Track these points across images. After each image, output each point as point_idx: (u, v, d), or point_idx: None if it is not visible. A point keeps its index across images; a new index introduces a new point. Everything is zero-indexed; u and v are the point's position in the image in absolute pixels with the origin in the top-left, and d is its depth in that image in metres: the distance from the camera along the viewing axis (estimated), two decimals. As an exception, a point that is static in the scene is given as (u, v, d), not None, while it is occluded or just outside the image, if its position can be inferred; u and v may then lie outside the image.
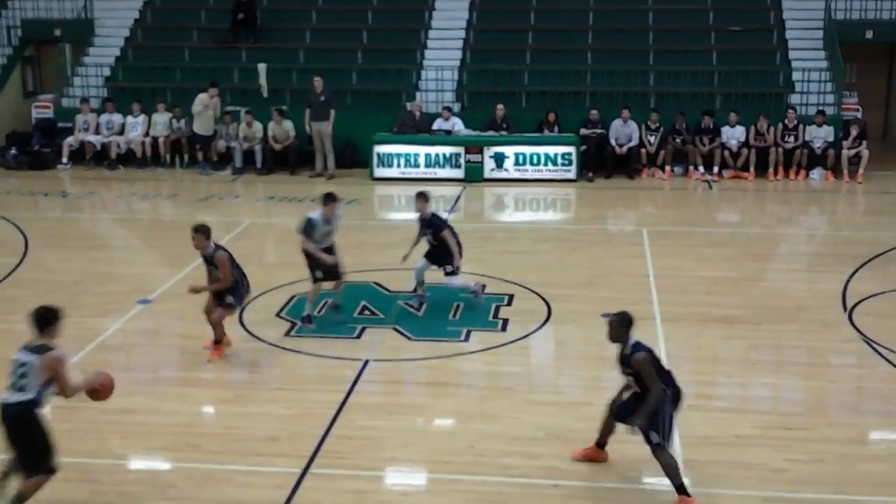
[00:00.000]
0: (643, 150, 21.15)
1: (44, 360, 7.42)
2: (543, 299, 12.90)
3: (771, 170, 20.82)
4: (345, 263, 12.34)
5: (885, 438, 9.37)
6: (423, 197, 12.49)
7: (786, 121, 21.09)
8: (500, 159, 20.85)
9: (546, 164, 20.78)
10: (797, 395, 10.25)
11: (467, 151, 20.86)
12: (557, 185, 20.41)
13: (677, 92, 22.40)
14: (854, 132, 20.79)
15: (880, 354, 11.09)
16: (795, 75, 22.54)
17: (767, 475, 8.37)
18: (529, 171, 20.75)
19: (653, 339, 11.51)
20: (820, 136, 20.99)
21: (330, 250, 12.12)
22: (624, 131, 21.22)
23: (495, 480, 8.35)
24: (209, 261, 10.71)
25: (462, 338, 11.72)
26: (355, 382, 10.37)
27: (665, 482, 8.09)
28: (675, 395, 8.06)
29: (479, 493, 8.16)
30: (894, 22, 23.35)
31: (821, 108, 21.50)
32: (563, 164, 20.73)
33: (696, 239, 16.36)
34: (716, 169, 20.99)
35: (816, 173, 20.80)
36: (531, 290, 13.27)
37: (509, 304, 12.83)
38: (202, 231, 10.61)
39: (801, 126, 21.07)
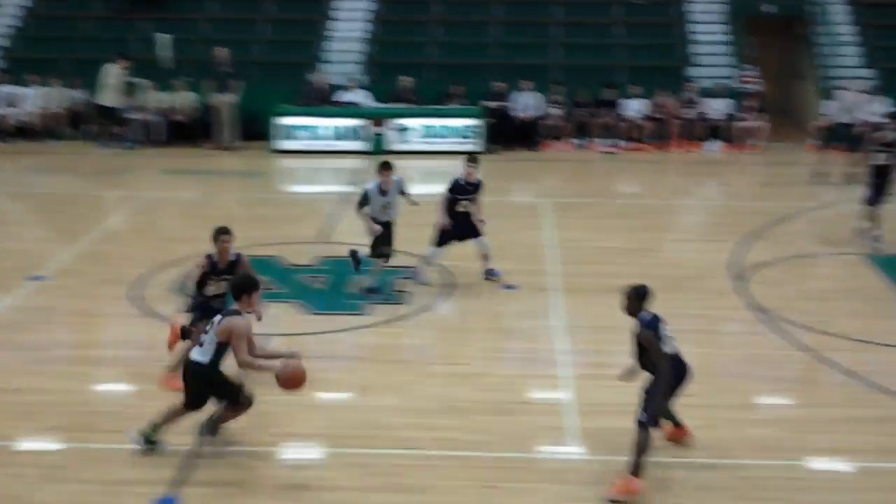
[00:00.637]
0: (546, 123, 21.32)
1: (222, 323, 7.86)
2: (446, 271, 12.96)
3: (671, 141, 21.18)
4: (391, 248, 12.28)
5: (773, 404, 9.64)
6: (475, 160, 12.55)
7: (686, 93, 21.45)
8: (405, 131, 20.82)
9: (451, 136, 20.83)
10: (690, 363, 10.46)
11: (373, 123, 20.80)
12: (462, 157, 20.41)
13: (580, 64, 22.60)
14: (752, 104, 21.25)
15: (770, 322, 11.40)
16: (695, 48, 22.92)
17: (660, 441, 8.56)
18: (435, 143, 20.77)
19: (555, 310, 11.72)
20: (719, 108, 21.41)
21: (388, 226, 12.11)
22: (525, 102, 21.36)
23: (393, 453, 8.42)
24: (229, 268, 9.47)
25: (364, 311, 11.73)
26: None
27: (558, 450, 8.29)
28: (680, 376, 7.97)
29: (377, 466, 8.22)
30: (793, -4, 23.91)
31: (720, 80, 21.91)
32: (468, 136, 20.79)
33: (597, 210, 16.58)
34: (617, 141, 21.27)
35: (715, 145, 21.23)
36: (433, 262, 13.30)
37: (411, 277, 12.87)
38: (231, 233, 9.53)
39: (700, 98, 21.46)
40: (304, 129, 20.86)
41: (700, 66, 22.64)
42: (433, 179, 19.73)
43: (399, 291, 12.34)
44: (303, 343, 10.96)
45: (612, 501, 7.73)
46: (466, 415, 9.11)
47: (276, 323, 11.31)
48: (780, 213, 16.05)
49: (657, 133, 21.23)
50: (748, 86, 22.12)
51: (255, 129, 21.53)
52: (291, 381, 7.92)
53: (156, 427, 8.25)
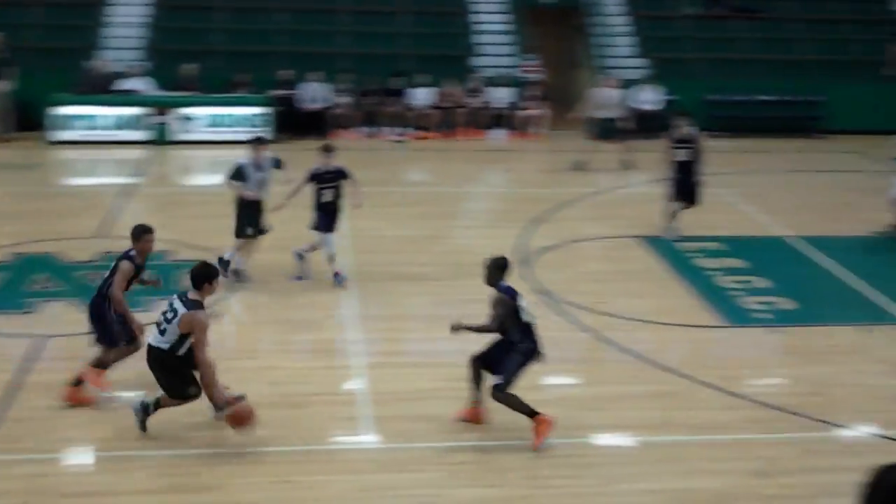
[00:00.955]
0: (335, 112, 21.28)
1: (187, 316, 7.91)
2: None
3: (457, 130, 21.57)
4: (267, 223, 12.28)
5: (557, 384, 9.96)
6: (330, 149, 12.27)
7: (470, 82, 21.88)
8: (190, 120, 20.34)
9: (238, 125, 20.46)
10: (477, 348, 10.72)
11: (156, 112, 20.19)
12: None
13: (367, 53, 22.67)
14: (534, 93, 21.89)
15: (553, 304, 11.80)
16: (480, 38, 23.40)
17: (447, 426, 8.75)
18: (221, 133, 20.38)
19: (346, 299, 11.74)
20: (502, 96, 21.96)
21: (258, 203, 12.02)
22: (313, 92, 21.25)
23: (183, 453, 8.24)
24: (144, 265, 9.22)
25: (150, 307, 11.35)
26: (33, 361, 9.84)
27: (353, 440, 8.32)
28: (531, 350, 8.42)
29: (167, 468, 8.02)
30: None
31: (503, 69, 22.47)
32: (255, 125, 20.47)
33: (387, 199, 16.66)
34: (405, 129, 21.47)
35: (499, 133, 21.77)
36: (222, 254, 13.06)
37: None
38: (154, 231, 9.28)
39: (484, 87, 21.95)
40: (82, 118, 20.03)
41: (484, 55, 23.15)
42: (220, 169, 19.39)
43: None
44: (83, 343, 10.55)
45: (540, 448, 8.30)
46: (258, 409, 8.98)
47: (54, 323, 10.85)
48: (561, 198, 16.61)
49: (444, 121, 21.57)
50: (530, 75, 22.78)
51: (30, 120, 20.47)
52: (242, 419, 8.11)
53: (157, 403, 8.31)
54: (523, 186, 18.64)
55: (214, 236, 13.78)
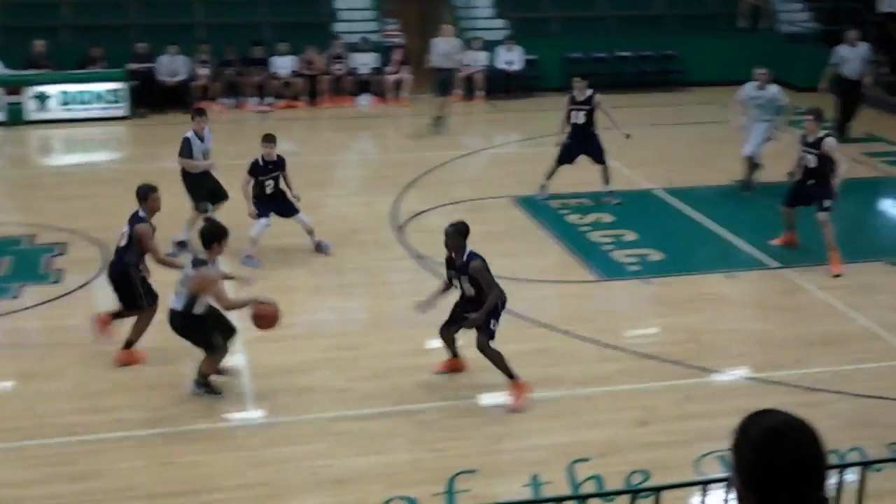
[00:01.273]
0: (195, 84, 20.77)
1: (194, 276, 8.15)
2: (100, 245, 12.37)
3: (322, 97, 21.33)
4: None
5: (439, 346, 9.98)
6: (272, 139, 12.02)
7: (333, 49, 21.64)
8: (43, 99, 19.57)
9: (94, 102, 19.81)
10: (359, 316, 10.74)
11: (5, 92, 19.36)
12: (108, 124, 19.54)
13: (226, 23, 22.18)
14: (396, 57, 21.78)
15: (432, 268, 11.82)
16: (339, 3, 23.13)
17: (334, 396, 8.72)
18: (76, 110, 19.68)
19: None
20: (365, 62, 21.79)
21: (209, 175, 12.11)
22: (173, 64, 20.70)
23: (60, 441, 8.01)
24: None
25: (13, 294, 10.98)
26: None
27: (236, 416, 8.22)
28: (504, 301, 8.72)
29: (44, 457, 7.79)
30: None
31: (364, 35, 22.28)
32: (112, 101, 19.85)
33: (254, 170, 16.36)
34: (269, 99, 21.13)
35: (364, 99, 21.62)
36: (87, 235, 12.69)
37: (63, 253, 12.19)
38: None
39: (347, 53, 21.74)
40: (-75, 101, 19.08)
41: (345, 21, 22.91)
42: (77, 149, 18.78)
43: (55, 270, 11.65)
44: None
45: (514, 411, 8.46)
46: (137, 392, 8.80)
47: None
48: (430, 162, 16.61)
49: (308, 89, 21.29)
50: (392, 39, 22.66)
51: None
52: (267, 318, 8.38)
53: (204, 377, 8.52)
54: (392, 152, 18.58)
55: (76, 217, 13.36)
